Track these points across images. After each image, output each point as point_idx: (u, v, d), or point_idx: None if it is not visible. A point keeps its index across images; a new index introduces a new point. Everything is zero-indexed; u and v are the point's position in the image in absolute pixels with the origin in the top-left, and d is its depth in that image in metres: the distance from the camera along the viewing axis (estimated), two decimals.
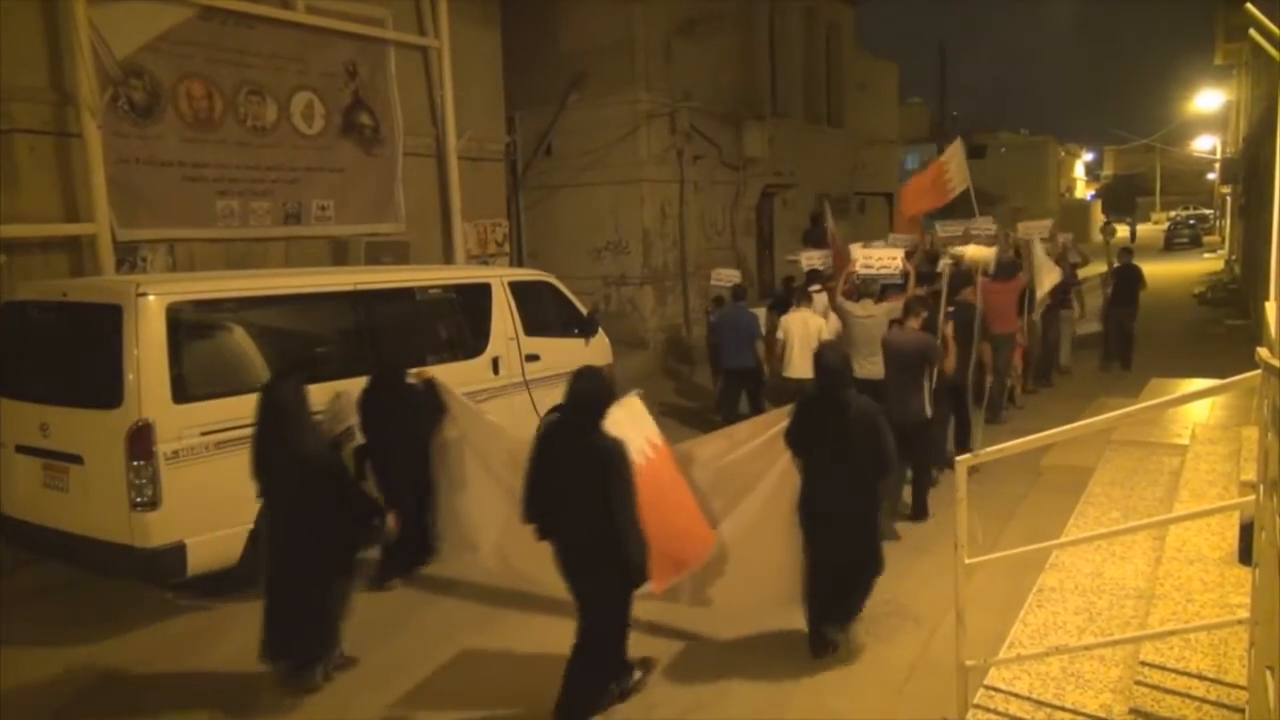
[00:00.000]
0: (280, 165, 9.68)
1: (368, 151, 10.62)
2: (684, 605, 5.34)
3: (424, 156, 11.35)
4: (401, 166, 10.95)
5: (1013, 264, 10.49)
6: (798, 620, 5.23)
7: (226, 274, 7.50)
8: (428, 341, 7.62)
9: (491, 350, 7.87)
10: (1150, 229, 52.26)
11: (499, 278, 8.27)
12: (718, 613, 5.33)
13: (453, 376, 7.00)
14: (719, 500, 5.22)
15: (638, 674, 4.87)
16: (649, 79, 14.92)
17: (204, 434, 5.82)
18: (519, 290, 8.30)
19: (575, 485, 4.26)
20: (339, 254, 10.14)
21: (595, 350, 8.88)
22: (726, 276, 11.62)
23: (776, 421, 5.20)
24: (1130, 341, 13.60)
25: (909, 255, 9.49)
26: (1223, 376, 3.74)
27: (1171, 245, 42.81)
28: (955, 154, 10.08)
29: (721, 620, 5.41)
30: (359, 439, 6.04)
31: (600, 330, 9.16)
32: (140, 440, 5.56)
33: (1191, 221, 49.18)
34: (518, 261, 14.68)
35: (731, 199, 16.98)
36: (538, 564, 4.65)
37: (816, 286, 10.00)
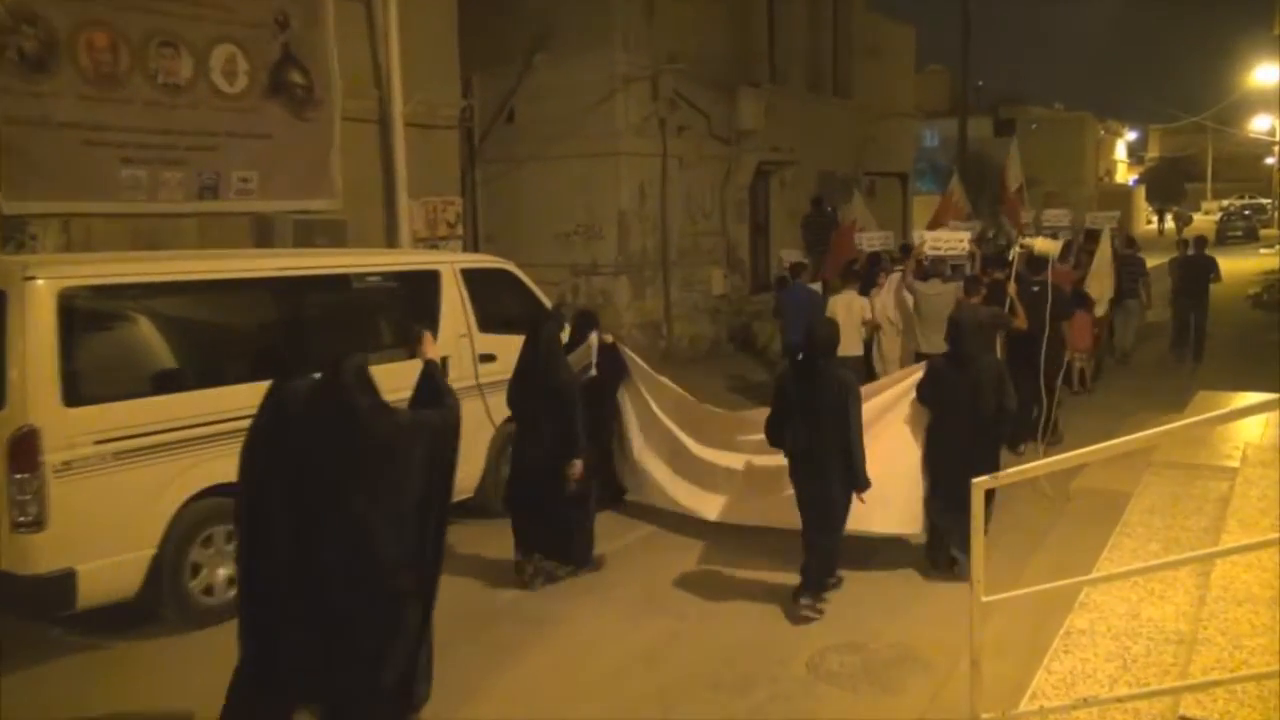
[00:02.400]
0: (196, 129, 9.64)
1: (299, 115, 10.59)
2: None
3: (365, 122, 11.34)
4: (339, 133, 10.94)
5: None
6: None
7: (130, 255, 7.45)
8: (365, 337, 7.60)
9: (440, 348, 7.79)
10: (1201, 219, 52.91)
11: (450, 265, 8.27)
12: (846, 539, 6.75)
13: (393, 378, 6.86)
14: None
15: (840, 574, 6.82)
16: (627, 37, 14.97)
17: (100, 442, 5.77)
18: (473, 279, 8.31)
19: (821, 408, 6.36)
20: (263, 234, 10.10)
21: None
22: (787, 255, 13.79)
23: (907, 376, 7.43)
24: (1202, 334, 15.25)
25: (976, 240, 11.60)
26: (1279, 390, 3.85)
27: (1224, 239, 43.35)
28: (1013, 157, 14.21)
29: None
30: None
31: (567, 327, 9.16)
32: (23, 449, 5.50)
33: (1247, 212, 49.89)
34: (473, 246, 14.67)
35: (721, 177, 17.09)
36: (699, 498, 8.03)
37: (892, 268, 12.11)
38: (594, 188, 15.17)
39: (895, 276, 11.74)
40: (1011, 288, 9.75)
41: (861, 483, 6.39)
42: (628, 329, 15.09)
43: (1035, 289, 9.75)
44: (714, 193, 17.00)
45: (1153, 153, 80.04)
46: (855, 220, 15.31)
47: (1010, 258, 10.24)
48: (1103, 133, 63.72)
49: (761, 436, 6.85)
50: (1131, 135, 77.34)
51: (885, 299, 11.50)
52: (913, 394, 7.24)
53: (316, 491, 4.25)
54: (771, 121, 17.48)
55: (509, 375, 7.28)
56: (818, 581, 6.57)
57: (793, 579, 6.62)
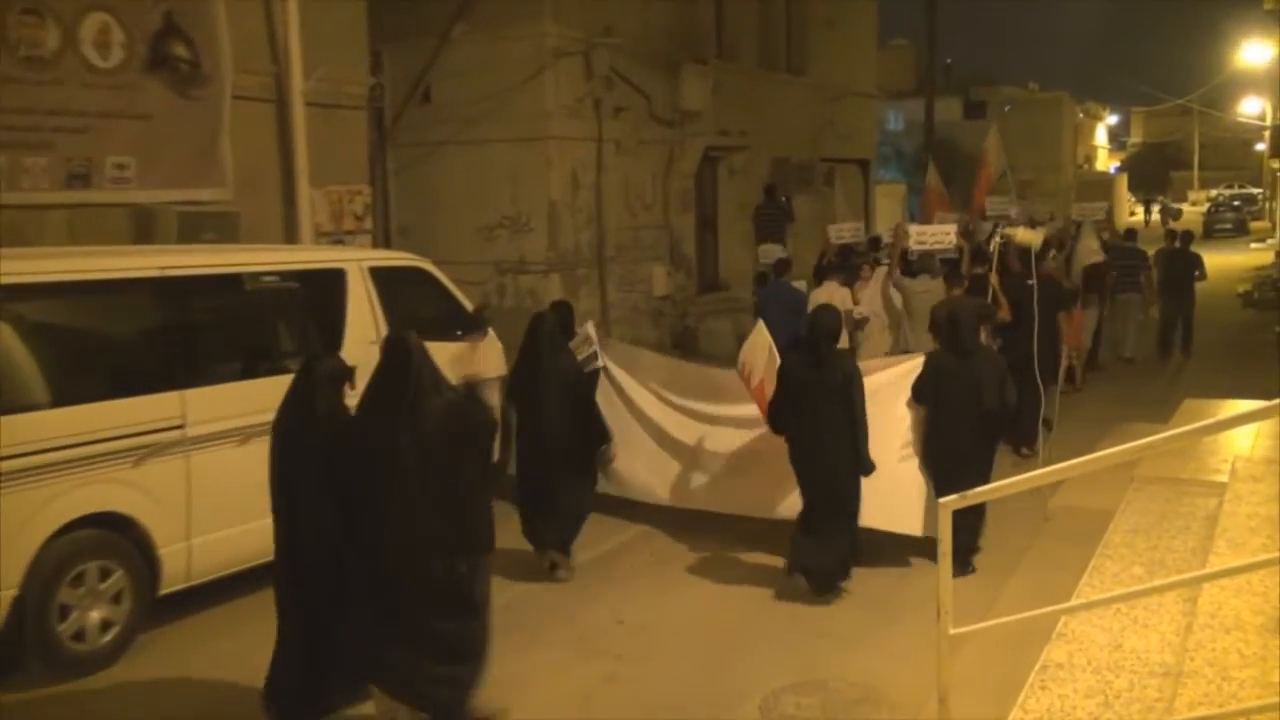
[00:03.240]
0: (64, 109, 9.46)
1: (183, 93, 10.42)
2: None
3: (260, 101, 11.20)
4: (229, 114, 10.77)
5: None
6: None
7: None
8: (259, 345, 7.58)
9: (345, 358, 7.76)
10: (1187, 211, 54.24)
11: (357, 263, 8.25)
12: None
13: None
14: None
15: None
16: (559, 8, 14.93)
17: None
18: (384, 279, 8.30)
19: (822, 396, 7.14)
20: (143, 228, 9.93)
21: (483, 357, 8.92)
22: (769, 252, 14.28)
23: (901, 363, 8.20)
24: (1189, 328, 16.42)
25: (962, 233, 12.51)
26: (1271, 397, 3.96)
27: (1211, 232, 44.37)
28: (994, 141, 14.82)
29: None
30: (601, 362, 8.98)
31: (491, 332, 9.21)
32: None
33: (1236, 203, 51.14)
34: (384, 241, 14.55)
35: (664, 164, 17.13)
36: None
37: (878, 260, 13.06)
38: (521, 176, 15.11)
39: (882, 270, 12.41)
40: (994, 279, 10.46)
41: (866, 468, 7.19)
42: None
43: (1030, 282, 10.12)
44: (655, 181, 17.03)
45: (1135, 138, 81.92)
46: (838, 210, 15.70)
47: (991, 249, 10.86)
48: (1081, 115, 64.94)
49: (747, 409, 7.85)
50: (1112, 119, 79.06)
51: (872, 294, 12.06)
52: (908, 390, 7.81)
53: (379, 477, 4.98)
54: (719, 102, 17.56)
55: None
56: (828, 578, 7.25)
57: (757, 598, 6.81)
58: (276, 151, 11.36)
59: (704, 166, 18.19)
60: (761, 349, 7.97)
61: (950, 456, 7.48)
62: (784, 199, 18.96)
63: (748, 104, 18.84)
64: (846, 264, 12.82)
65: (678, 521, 8.84)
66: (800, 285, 12.81)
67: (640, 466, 9.01)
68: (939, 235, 12.07)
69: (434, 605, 5.01)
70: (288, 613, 5.40)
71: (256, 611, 6.26)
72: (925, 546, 7.28)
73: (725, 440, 8.73)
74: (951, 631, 4.10)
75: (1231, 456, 7.84)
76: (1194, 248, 17.18)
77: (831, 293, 11.54)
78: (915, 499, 7.76)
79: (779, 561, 7.53)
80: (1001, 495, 4.11)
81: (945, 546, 4.12)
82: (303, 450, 5.27)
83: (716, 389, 8.91)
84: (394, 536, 4.96)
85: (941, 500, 4.20)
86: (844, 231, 14.46)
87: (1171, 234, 17.66)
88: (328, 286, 7.98)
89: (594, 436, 8.01)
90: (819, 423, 7.20)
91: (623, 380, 9.33)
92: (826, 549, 7.24)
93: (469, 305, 9.12)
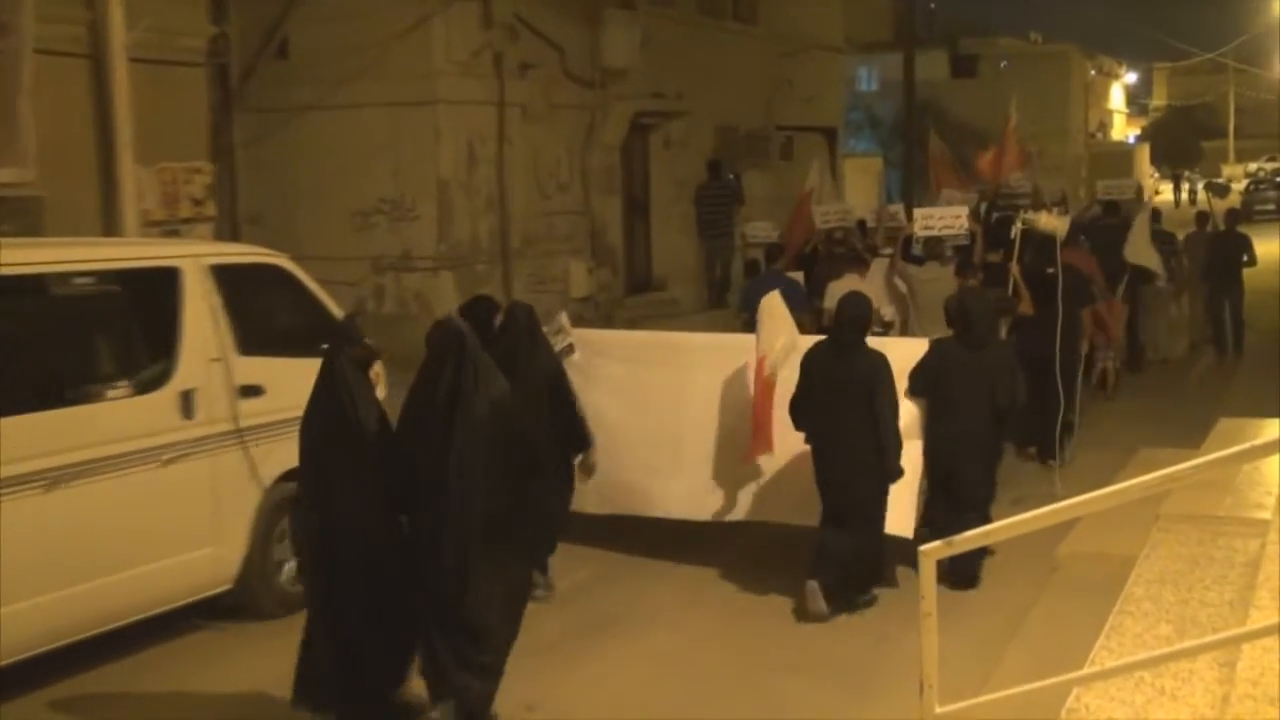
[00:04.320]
0: None
1: None
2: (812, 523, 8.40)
3: (71, 57, 11.09)
4: (29, 72, 10.61)
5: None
6: None
7: None
8: (67, 366, 7.45)
9: (181, 379, 7.81)
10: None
11: (196, 260, 8.16)
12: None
13: (107, 424, 7.23)
14: None
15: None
16: None
17: None
18: (230, 280, 8.22)
19: (846, 392, 7.96)
20: None
21: None
22: (760, 231, 15.46)
23: (904, 347, 8.93)
24: (1240, 323, 17.51)
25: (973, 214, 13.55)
26: None
27: (1250, 214, 45.12)
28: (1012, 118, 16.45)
29: None
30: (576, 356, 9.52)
31: (367, 344, 9.09)
32: None
33: (1279, 179, 52.08)
34: (231, 233, 14.44)
35: (582, 134, 17.17)
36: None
37: (887, 250, 14.00)
38: (403, 149, 15.10)
39: (881, 261, 13.41)
40: (1015, 269, 11.42)
41: (894, 474, 7.99)
42: None
43: (1050, 270, 11.13)
44: (572, 156, 17.08)
45: (1158, 100, 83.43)
46: (813, 189, 16.15)
47: (1012, 235, 11.75)
48: (1094, 73, 66.15)
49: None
50: (1130, 77, 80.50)
51: (873, 288, 12.33)
52: (904, 378, 8.51)
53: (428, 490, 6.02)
54: (650, 57, 17.61)
55: (288, 413, 7.19)
56: (849, 595, 8.00)
57: (706, 671, 6.98)
58: (92, 120, 11.28)
59: (632, 137, 18.22)
60: (779, 332, 8.76)
61: (961, 454, 8.50)
62: (732, 176, 19.28)
63: (686, 60, 18.89)
64: (856, 254, 13.62)
65: (646, 550, 9.29)
66: (798, 276, 13.53)
67: (625, 475, 9.33)
68: (948, 219, 12.96)
69: (476, 598, 5.98)
70: (322, 612, 6.27)
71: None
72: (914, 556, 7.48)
73: (727, 433, 9.23)
74: (938, 710, 4.11)
75: (1277, 488, 7.82)
76: (1265, 233, 18.17)
77: (852, 288, 11.79)
78: (907, 498, 8.43)
79: (747, 617, 7.92)
80: (999, 539, 4.13)
81: (928, 605, 4.14)
82: (336, 451, 6.18)
83: (715, 361, 9.54)
84: (438, 551, 5.98)
85: (924, 549, 4.23)
86: (830, 215, 15.30)
87: (1203, 216, 18.49)
88: (157, 290, 7.89)
89: (576, 441, 8.61)
90: (840, 421, 8.01)
91: (597, 373, 9.78)
92: (843, 558, 8.03)
93: (338, 312, 9.03)
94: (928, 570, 4.16)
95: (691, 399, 9.49)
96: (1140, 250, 15.34)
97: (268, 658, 7.07)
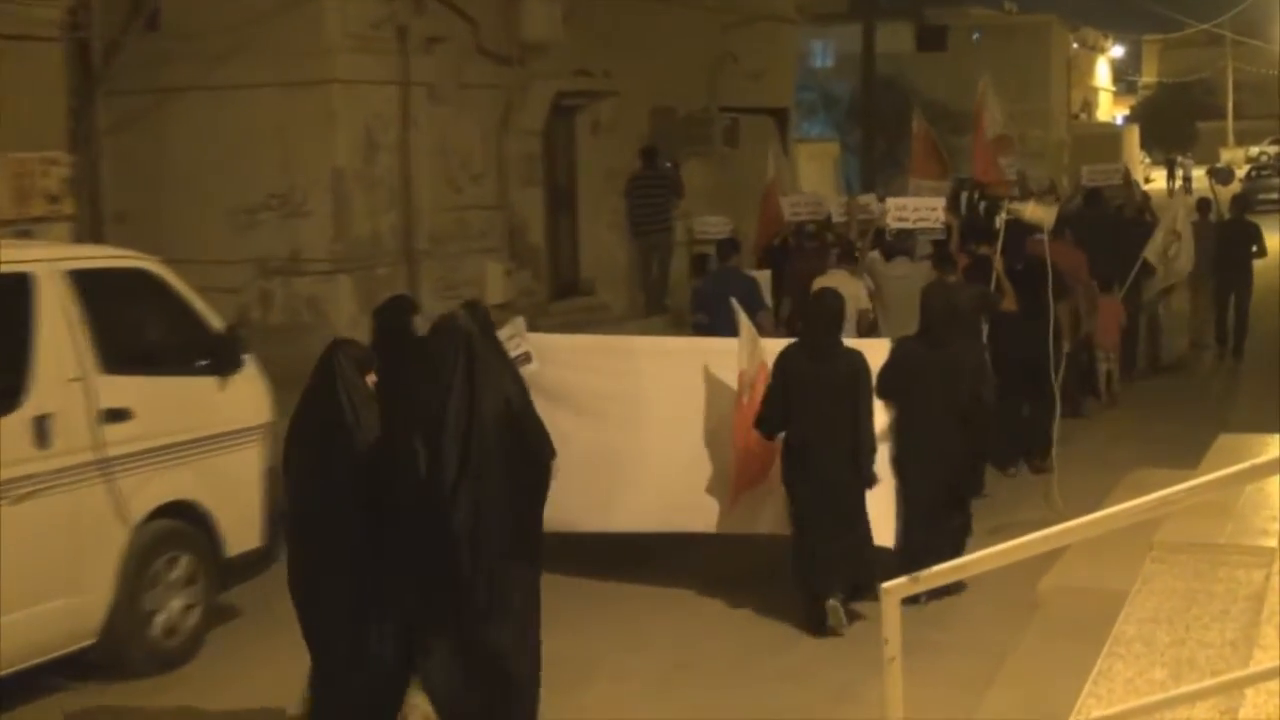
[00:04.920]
0: None
1: None
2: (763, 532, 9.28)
3: None
4: None
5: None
6: None
7: None
8: None
9: (35, 403, 7.73)
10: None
11: (51, 265, 8.10)
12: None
13: None
14: None
15: None
16: None
17: None
18: (91, 287, 8.16)
19: (822, 394, 8.45)
20: None
21: (238, 398, 8.95)
22: (712, 227, 15.95)
23: (871, 347, 9.20)
24: (1244, 322, 17.87)
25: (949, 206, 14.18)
26: None
27: (1251, 204, 45.49)
28: (985, 92, 15.93)
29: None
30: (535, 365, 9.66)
31: (250, 362, 9.16)
32: None
33: None
34: (92, 233, 14.13)
35: (498, 118, 17.04)
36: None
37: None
38: (293, 135, 15.03)
39: (871, 256, 13.68)
40: (998, 262, 12.02)
41: (868, 480, 8.57)
42: None
43: (1019, 268, 12.01)
44: (487, 142, 16.97)
45: (1148, 76, 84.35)
46: (774, 178, 16.81)
47: (996, 227, 12.62)
48: (1076, 46, 66.91)
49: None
50: (1117, 51, 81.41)
51: (841, 283, 12.55)
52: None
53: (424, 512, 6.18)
54: (575, 31, 17.54)
55: (162, 440, 7.40)
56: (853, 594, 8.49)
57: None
58: None
59: (555, 121, 18.18)
60: (745, 344, 9.22)
61: (922, 461, 9.04)
62: (669, 165, 19.17)
63: (615, 33, 18.84)
64: (848, 247, 14.10)
65: (591, 573, 9.52)
66: (762, 275, 14.17)
67: (581, 490, 9.28)
68: (923, 211, 13.48)
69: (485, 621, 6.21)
70: (328, 643, 6.46)
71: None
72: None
73: (692, 442, 9.67)
74: None
75: None
76: (1271, 226, 18.59)
77: (844, 284, 12.07)
78: (885, 506, 9.03)
79: (690, 671, 8.06)
80: (974, 572, 4.10)
81: (893, 648, 4.11)
82: (331, 466, 6.38)
83: (673, 366, 9.97)
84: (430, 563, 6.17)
85: (886, 586, 4.23)
86: (800, 207, 16.17)
87: (1205, 203, 18.96)
88: (5, 300, 7.83)
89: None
90: (816, 425, 8.51)
91: (547, 381, 9.79)
92: (841, 563, 8.52)
93: (217, 323, 9.00)
94: (891, 611, 4.15)
95: (651, 407, 9.86)
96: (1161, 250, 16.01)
97: None
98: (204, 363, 8.82)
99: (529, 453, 6.37)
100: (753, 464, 9.17)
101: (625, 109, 19.23)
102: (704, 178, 20.51)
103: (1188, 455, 9.58)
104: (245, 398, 8.97)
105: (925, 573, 4.20)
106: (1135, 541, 7.52)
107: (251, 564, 8.85)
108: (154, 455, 7.94)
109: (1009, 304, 11.89)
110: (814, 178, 27.49)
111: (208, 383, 8.73)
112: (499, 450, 6.18)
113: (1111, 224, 16.81)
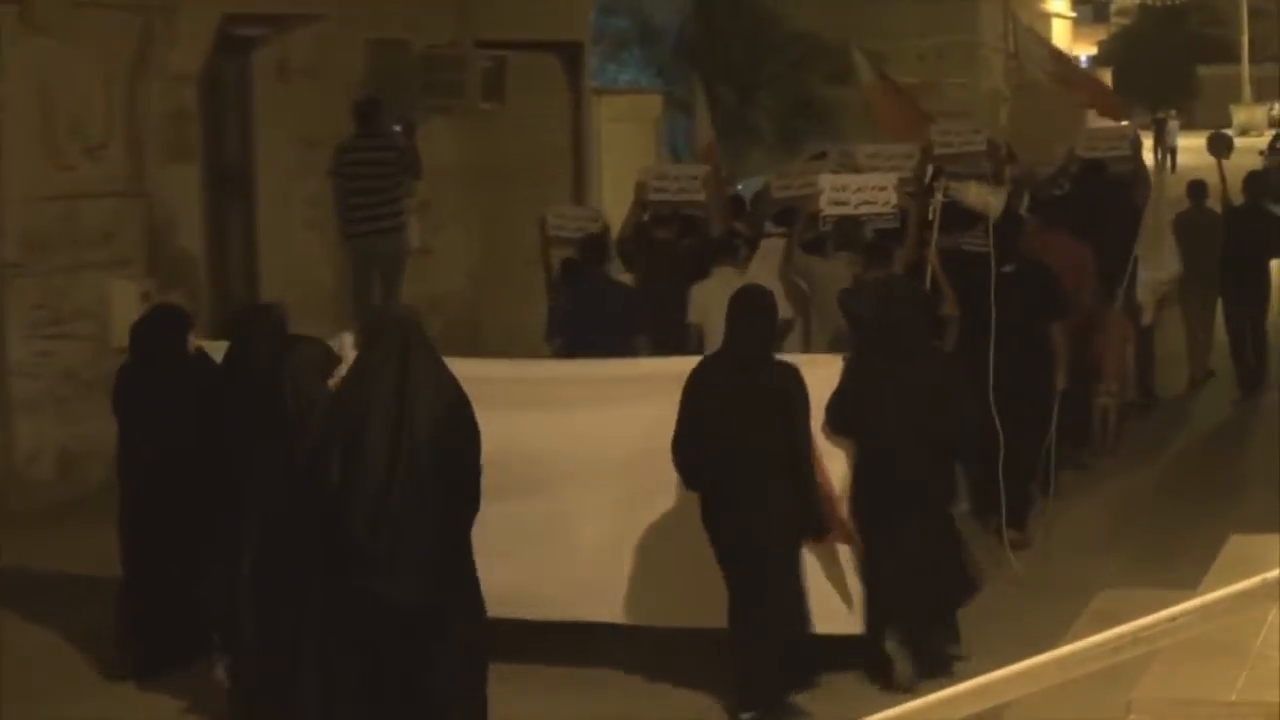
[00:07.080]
0: None
1: None
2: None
3: None
4: None
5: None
6: None
7: None
8: None
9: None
10: (1238, 144, 51.44)
11: None
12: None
13: None
14: None
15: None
16: None
17: None
18: None
19: (747, 421, 7.97)
20: None
21: None
22: (572, 222, 13.73)
23: (816, 365, 8.80)
24: (1263, 346, 15.99)
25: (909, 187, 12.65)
26: None
27: (1272, 185, 42.80)
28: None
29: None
30: None
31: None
32: None
33: None
34: None
35: (130, 58, 14.55)
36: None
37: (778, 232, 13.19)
38: None
39: (771, 244, 12.67)
40: (933, 257, 10.96)
41: (813, 525, 8.02)
42: None
43: (1006, 270, 10.96)
44: (113, 93, 14.49)
45: None
46: (709, 145, 16.37)
47: (929, 214, 11.67)
48: None
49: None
50: None
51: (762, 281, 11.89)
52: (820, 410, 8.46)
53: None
54: None
55: None
56: (764, 693, 7.91)
57: None
58: None
59: (221, 61, 15.73)
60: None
61: (891, 523, 8.28)
62: (398, 129, 16.65)
63: None
64: (728, 239, 13.21)
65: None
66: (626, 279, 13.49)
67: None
68: (868, 193, 12.10)
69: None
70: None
71: None
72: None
73: (622, 498, 9.06)
74: None
75: None
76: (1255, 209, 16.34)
77: (732, 284, 11.23)
78: (848, 580, 8.46)
79: None
80: None
81: None
82: (274, 463, 7.01)
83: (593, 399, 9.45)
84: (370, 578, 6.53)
85: None
86: (668, 183, 13.96)
87: (1197, 186, 16.59)
88: None
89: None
90: (740, 460, 7.85)
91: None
92: (753, 656, 7.97)
93: None
94: None
95: (568, 455, 9.23)
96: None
97: None
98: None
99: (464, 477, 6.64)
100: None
101: (329, 44, 16.50)
102: (454, 148, 17.96)
103: (1192, 548, 9.18)
104: None
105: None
106: (1105, 698, 6.39)
107: None
108: None
109: (949, 308, 10.94)
110: (627, 143, 24.39)
111: None
112: (431, 474, 6.51)
113: (1120, 212, 14.25)
